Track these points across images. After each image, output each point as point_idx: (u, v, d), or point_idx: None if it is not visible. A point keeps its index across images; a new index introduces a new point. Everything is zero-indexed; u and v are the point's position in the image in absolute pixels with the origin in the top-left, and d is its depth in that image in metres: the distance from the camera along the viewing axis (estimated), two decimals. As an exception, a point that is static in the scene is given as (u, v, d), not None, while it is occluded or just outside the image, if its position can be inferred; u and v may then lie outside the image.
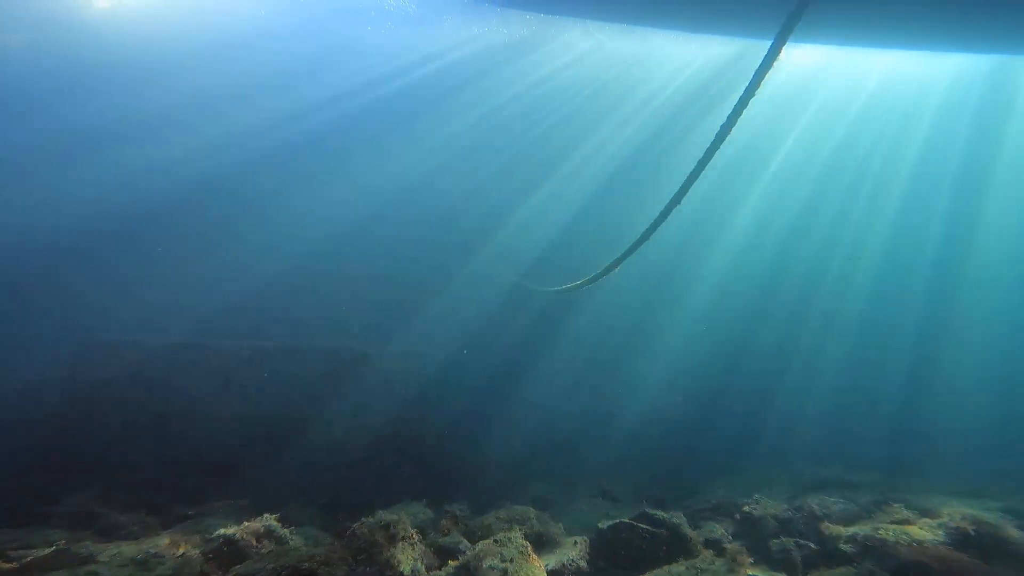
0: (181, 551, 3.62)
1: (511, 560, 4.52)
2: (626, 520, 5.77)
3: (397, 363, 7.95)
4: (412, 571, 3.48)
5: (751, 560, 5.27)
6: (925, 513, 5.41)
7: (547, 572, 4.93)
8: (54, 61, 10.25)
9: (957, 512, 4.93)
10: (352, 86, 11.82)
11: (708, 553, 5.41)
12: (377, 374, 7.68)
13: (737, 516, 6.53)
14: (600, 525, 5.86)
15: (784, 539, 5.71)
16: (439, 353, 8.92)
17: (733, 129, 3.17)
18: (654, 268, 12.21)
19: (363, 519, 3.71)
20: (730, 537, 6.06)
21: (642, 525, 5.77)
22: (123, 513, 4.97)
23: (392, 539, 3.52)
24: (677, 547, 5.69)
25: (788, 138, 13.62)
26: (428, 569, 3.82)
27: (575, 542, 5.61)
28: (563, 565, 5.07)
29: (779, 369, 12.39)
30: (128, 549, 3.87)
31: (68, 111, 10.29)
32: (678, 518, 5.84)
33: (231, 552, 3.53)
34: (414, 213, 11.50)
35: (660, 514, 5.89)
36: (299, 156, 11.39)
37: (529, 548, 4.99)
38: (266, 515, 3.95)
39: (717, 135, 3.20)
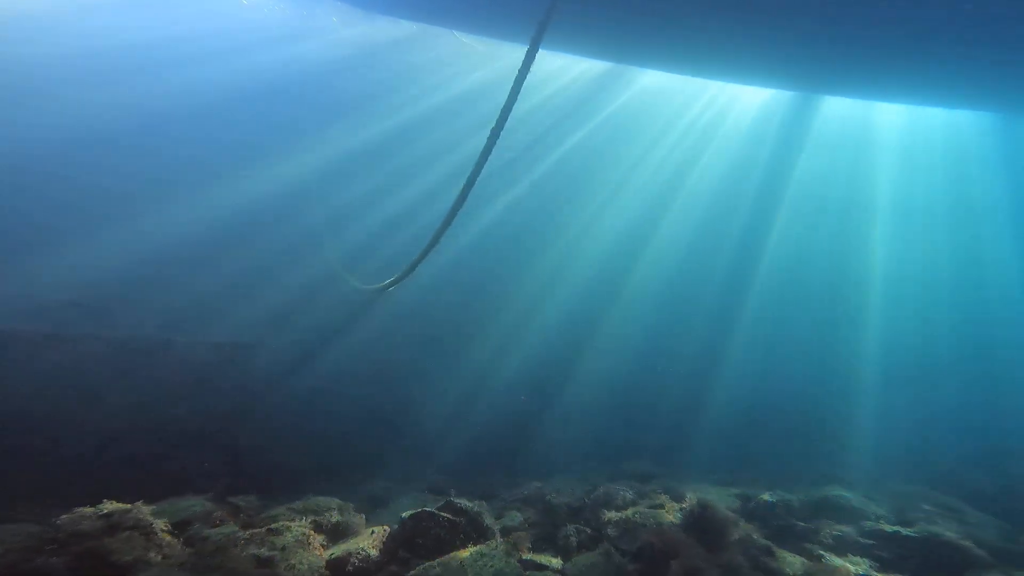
0: None
1: (282, 548, 4.42)
2: (428, 509, 5.96)
3: (213, 352, 7.34)
4: (135, 560, 3.23)
5: (529, 544, 5.79)
6: (677, 498, 6.40)
7: (329, 559, 4.91)
8: None
9: (695, 497, 5.91)
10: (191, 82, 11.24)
11: (497, 540, 5.82)
12: (184, 364, 7.01)
13: (540, 506, 7.12)
14: (403, 515, 5.99)
15: (571, 525, 6.33)
16: (273, 346, 8.43)
17: (501, 132, 3.49)
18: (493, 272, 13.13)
19: (76, 509, 3.35)
20: (527, 525, 6.59)
21: (443, 514, 6.00)
22: None
23: (112, 529, 3.23)
24: (474, 534, 6.03)
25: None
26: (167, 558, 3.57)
27: (372, 531, 5.66)
28: (349, 553, 5.06)
29: (615, 371, 13.78)
30: None
31: None
32: (480, 507, 6.17)
33: None
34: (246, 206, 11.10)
35: (463, 503, 6.17)
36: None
37: (311, 536, 4.92)
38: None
39: (488, 139, 3.50)
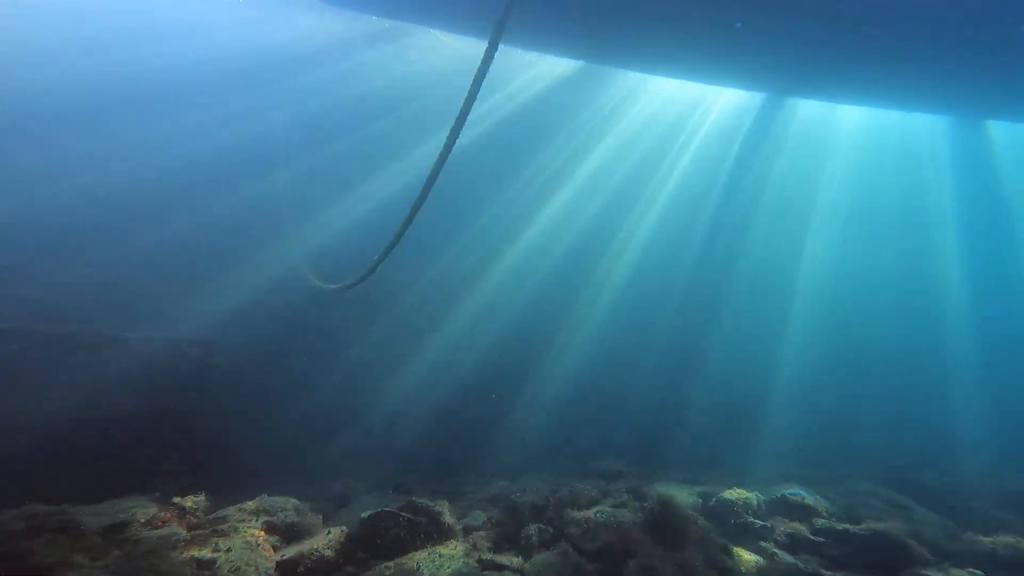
0: None
1: (227, 550, 4.26)
2: (388, 509, 5.85)
3: (167, 349, 7.08)
4: (57, 563, 3.05)
5: (490, 544, 5.75)
6: (641, 497, 6.45)
7: (280, 561, 4.76)
8: None
9: (658, 495, 5.95)
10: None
11: (457, 539, 5.76)
12: (136, 361, 6.75)
13: (504, 505, 7.08)
14: (362, 515, 5.87)
15: (533, 525, 6.30)
16: (232, 343, 8.18)
17: (462, 130, 3.41)
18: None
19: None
20: (490, 524, 6.54)
21: (403, 514, 5.90)
22: None
23: (35, 531, 3.05)
24: (435, 534, 5.95)
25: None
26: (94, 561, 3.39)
27: (328, 532, 5.53)
28: (302, 555, 4.93)
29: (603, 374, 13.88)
30: None
31: None
32: (441, 507, 6.11)
33: None
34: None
35: (425, 502, 6.10)
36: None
37: (261, 537, 4.78)
38: None
39: (448, 137, 3.42)
